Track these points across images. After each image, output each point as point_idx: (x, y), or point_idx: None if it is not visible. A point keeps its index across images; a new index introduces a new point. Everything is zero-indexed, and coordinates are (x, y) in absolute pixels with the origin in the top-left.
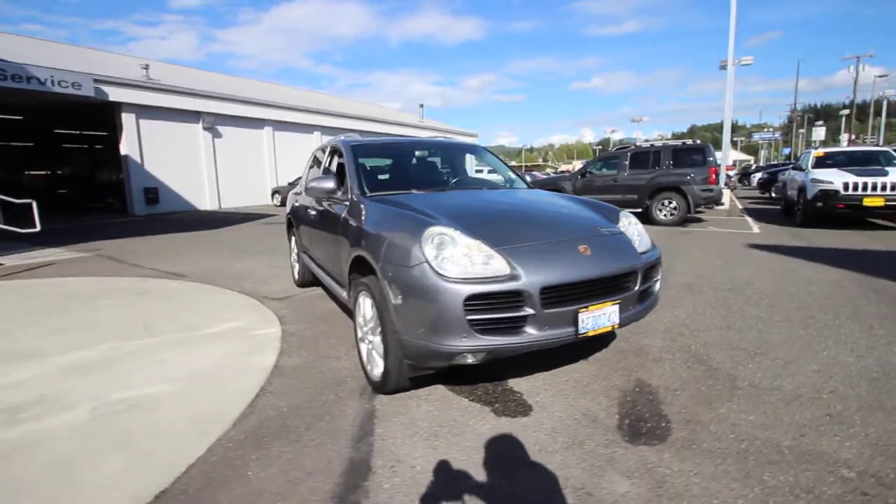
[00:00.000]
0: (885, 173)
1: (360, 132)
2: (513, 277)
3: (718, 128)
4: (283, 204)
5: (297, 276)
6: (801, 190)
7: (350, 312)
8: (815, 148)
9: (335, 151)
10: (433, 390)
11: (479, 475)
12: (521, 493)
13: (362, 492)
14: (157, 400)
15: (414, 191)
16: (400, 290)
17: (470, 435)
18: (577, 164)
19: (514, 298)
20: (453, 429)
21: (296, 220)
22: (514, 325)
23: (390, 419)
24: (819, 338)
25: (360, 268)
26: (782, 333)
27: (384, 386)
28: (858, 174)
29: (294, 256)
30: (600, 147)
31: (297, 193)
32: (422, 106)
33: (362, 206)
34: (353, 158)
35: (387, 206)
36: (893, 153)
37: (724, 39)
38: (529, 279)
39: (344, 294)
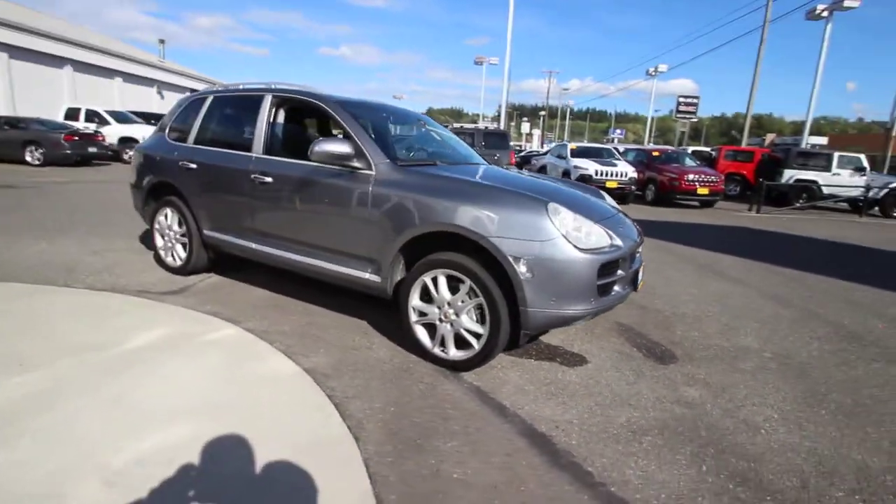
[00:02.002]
0: (615, 164)
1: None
2: (617, 247)
3: (451, 113)
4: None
5: (179, 260)
6: (566, 173)
7: (356, 295)
8: (568, 142)
9: (296, 105)
10: (499, 360)
11: (621, 410)
12: (661, 414)
13: (564, 451)
14: (211, 456)
15: (438, 163)
16: (531, 263)
17: (571, 385)
18: None
19: (617, 264)
20: (555, 385)
21: (187, 185)
22: (612, 286)
23: (500, 390)
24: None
25: (427, 246)
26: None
27: (481, 362)
28: (602, 164)
29: (171, 234)
30: None
31: (176, 149)
32: (163, 42)
33: (411, 177)
34: (353, 118)
35: (453, 179)
36: (613, 150)
37: (458, 32)
38: (623, 247)
39: (364, 274)
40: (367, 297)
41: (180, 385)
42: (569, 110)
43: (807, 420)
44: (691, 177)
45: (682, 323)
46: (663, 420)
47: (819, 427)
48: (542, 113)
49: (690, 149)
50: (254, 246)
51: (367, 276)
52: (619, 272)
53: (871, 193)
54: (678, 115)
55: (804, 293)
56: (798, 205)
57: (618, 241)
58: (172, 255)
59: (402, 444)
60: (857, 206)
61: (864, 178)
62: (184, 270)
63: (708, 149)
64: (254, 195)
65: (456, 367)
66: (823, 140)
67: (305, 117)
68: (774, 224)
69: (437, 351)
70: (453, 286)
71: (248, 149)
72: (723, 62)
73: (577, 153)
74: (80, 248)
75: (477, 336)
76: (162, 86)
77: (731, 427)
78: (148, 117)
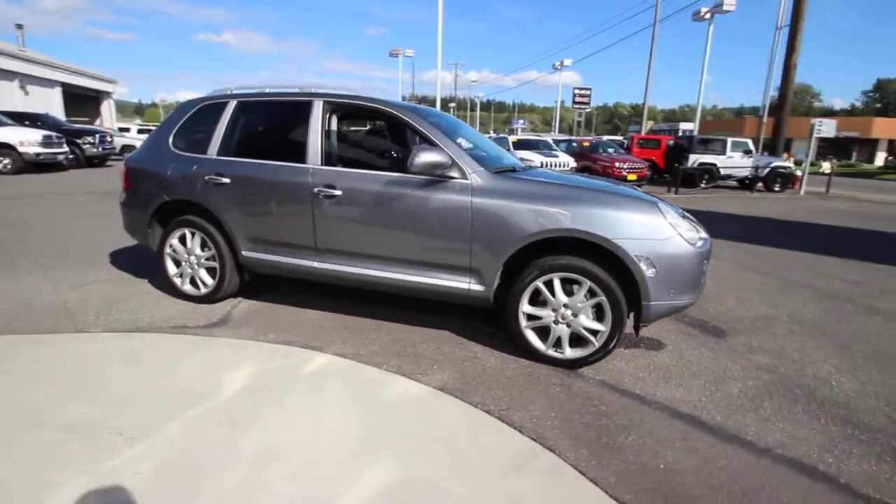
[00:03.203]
0: (557, 155)
1: None
2: (705, 239)
3: None
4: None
5: (204, 287)
6: None
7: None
8: (510, 134)
9: (352, 112)
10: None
11: (728, 384)
12: (756, 382)
13: (719, 427)
14: None
15: (516, 168)
16: (655, 261)
17: (672, 368)
18: None
19: (709, 253)
20: (659, 369)
21: (217, 202)
22: (705, 274)
23: (622, 380)
24: None
25: (538, 251)
26: None
27: (600, 358)
28: (545, 155)
29: (191, 259)
30: None
31: (195, 162)
32: (20, 27)
33: (513, 184)
34: (436, 127)
35: (559, 185)
36: (550, 141)
37: (356, 21)
38: (707, 238)
39: (463, 284)
40: (429, 306)
41: (324, 425)
42: (479, 102)
43: (853, 369)
44: (620, 164)
45: (704, 299)
46: (762, 386)
47: (865, 373)
48: (452, 104)
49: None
50: (315, 264)
51: (466, 286)
52: (707, 261)
53: (757, 172)
54: (574, 106)
55: (769, 263)
56: (703, 185)
57: (703, 234)
58: (194, 282)
59: (591, 446)
60: (746, 183)
61: (752, 159)
62: (210, 298)
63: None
64: (317, 210)
65: (574, 364)
66: (692, 126)
67: (363, 124)
68: (694, 203)
69: (551, 352)
70: (566, 288)
71: (301, 160)
72: (603, 57)
73: (518, 146)
74: (49, 284)
75: (594, 333)
76: (25, 79)
77: (812, 384)
78: (18, 117)
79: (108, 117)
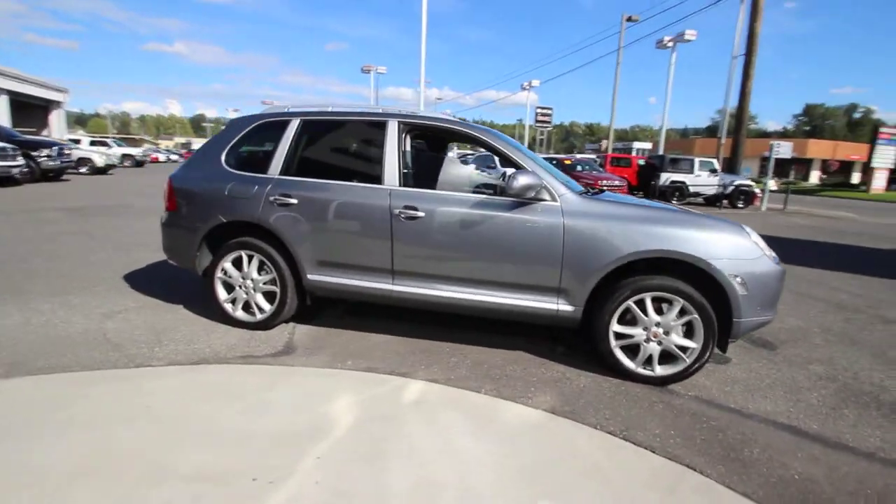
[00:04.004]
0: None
1: None
2: (776, 257)
3: None
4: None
5: (260, 313)
6: None
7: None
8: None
9: (425, 133)
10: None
11: (804, 393)
12: (826, 390)
13: (820, 435)
14: None
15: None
16: (747, 280)
17: (749, 381)
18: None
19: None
20: (739, 383)
21: (283, 223)
22: None
23: (713, 396)
24: None
25: (624, 271)
26: None
27: (690, 374)
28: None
29: (247, 284)
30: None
31: (256, 182)
32: None
33: (604, 206)
34: (521, 150)
35: (650, 207)
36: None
37: (315, 36)
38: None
39: (551, 305)
40: (492, 327)
41: (464, 456)
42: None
43: (878, 373)
44: (604, 182)
45: None
46: (833, 394)
47: (888, 373)
48: None
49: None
50: (391, 287)
51: (554, 306)
52: None
53: (723, 190)
54: (536, 124)
55: None
56: (674, 202)
57: (773, 253)
58: (247, 308)
59: (724, 462)
60: (712, 200)
61: (717, 178)
62: (266, 324)
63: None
64: (396, 232)
65: (664, 382)
66: (648, 145)
67: (437, 145)
68: None
69: (641, 370)
70: (655, 307)
71: (376, 180)
72: (558, 79)
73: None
74: (75, 312)
75: (683, 350)
76: None
77: (872, 390)
78: None
79: (56, 128)
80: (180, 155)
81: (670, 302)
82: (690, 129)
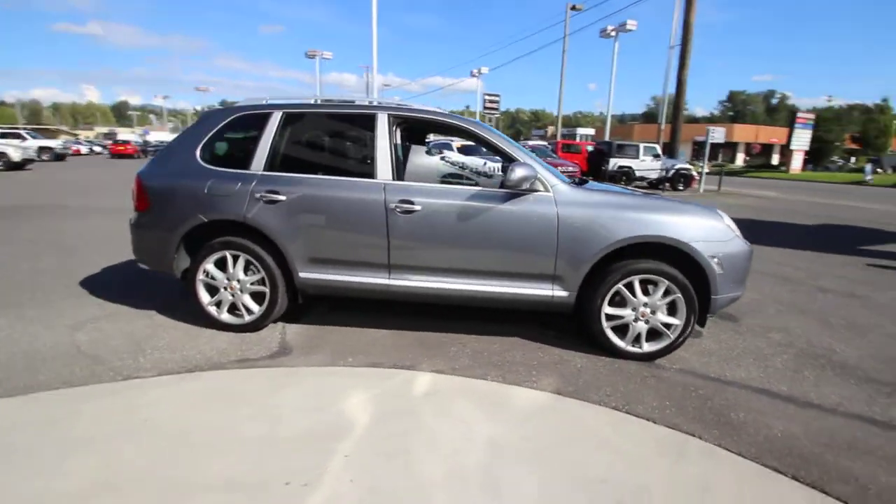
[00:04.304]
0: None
1: None
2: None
3: None
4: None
5: (249, 314)
6: None
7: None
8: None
9: (414, 125)
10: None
11: (771, 360)
12: (788, 355)
13: (798, 397)
14: None
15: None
16: (723, 260)
17: (721, 352)
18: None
19: None
20: (715, 354)
21: (271, 221)
22: None
23: (695, 367)
24: None
25: (630, 255)
26: None
27: (675, 349)
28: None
29: (234, 285)
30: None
31: (239, 178)
32: None
33: (594, 195)
34: (513, 143)
35: (637, 196)
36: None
37: (247, 16)
38: None
39: (546, 291)
40: (482, 315)
41: (489, 442)
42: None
43: (843, 338)
44: (560, 168)
45: None
46: (793, 358)
47: (851, 340)
48: None
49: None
50: (387, 282)
51: (549, 293)
52: None
53: (665, 174)
54: (485, 111)
55: None
56: (622, 186)
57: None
58: (235, 310)
59: (718, 426)
60: (655, 183)
61: (660, 162)
62: (255, 326)
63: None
64: (392, 226)
65: (651, 357)
66: (591, 131)
67: (423, 138)
68: None
69: (630, 348)
70: (643, 288)
71: (369, 175)
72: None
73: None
74: (36, 325)
75: (668, 327)
76: None
77: (824, 353)
78: None
79: None
80: (104, 146)
81: (655, 283)
82: (627, 115)
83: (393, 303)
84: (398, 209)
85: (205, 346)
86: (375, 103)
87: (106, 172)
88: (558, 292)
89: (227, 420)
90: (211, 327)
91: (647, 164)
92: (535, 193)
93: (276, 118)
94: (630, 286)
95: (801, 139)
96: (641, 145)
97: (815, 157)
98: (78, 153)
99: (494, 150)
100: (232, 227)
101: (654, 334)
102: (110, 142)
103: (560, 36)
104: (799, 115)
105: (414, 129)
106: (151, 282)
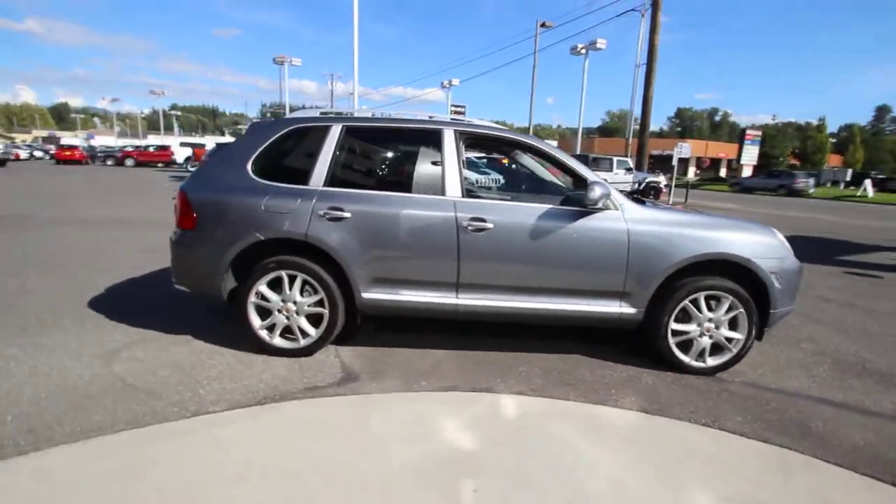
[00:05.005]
0: (489, 173)
1: None
2: None
3: (203, 111)
4: None
5: (304, 338)
6: None
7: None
8: None
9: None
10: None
11: (811, 368)
12: (821, 361)
13: (852, 404)
14: None
15: None
16: (781, 277)
17: (765, 364)
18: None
19: None
20: (758, 367)
21: (335, 239)
22: None
23: (757, 379)
24: None
25: (694, 272)
26: None
27: (736, 363)
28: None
29: (289, 308)
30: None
31: (299, 195)
32: None
33: (660, 214)
34: (578, 161)
35: (694, 213)
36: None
37: (200, 18)
38: None
39: (614, 308)
40: (535, 333)
41: (600, 468)
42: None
43: (866, 346)
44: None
45: None
46: (833, 367)
47: (872, 347)
48: None
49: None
50: (455, 301)
51: (617, 310)
52: None
53: (637, 186)
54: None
55: None
56: None
57: None
58: (286, 334)
59: (805, 438)
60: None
61: (632, 175)
62: (310, 350)
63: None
64: (463, 244)
65: (713, 371)
66: (554, 143)
67: (487, 153)
68: None
69: (694, 363)
70: (707, 304)
71: (436, 192)
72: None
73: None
74: (61, 356)
75: (729, 341)
76: None
77: (857, 360)
78: None
79: None
80: (46, 151)
81: (718, 299)
82: (585, 129)
83: (439, 321)
84: (470, 227)
85: (264, 374)
86: (438, 118)
87: (57, 180)
88: (626, 309)
89: (331, 455)
90: (262, 353)
91: (620, 177)
92: (606, 212)
93: (335, 132)
94: (695, 302)
95: (750, 154)
96: (615, 159)
97: (761, 171)
98: (18, 157)
99: (562, 168)
100: (289, 245)
101: (715, 349)
102: (53, 146)
103: (521, 52)
104: (748, 131)
105: (475, 146)
106: (169, 302)
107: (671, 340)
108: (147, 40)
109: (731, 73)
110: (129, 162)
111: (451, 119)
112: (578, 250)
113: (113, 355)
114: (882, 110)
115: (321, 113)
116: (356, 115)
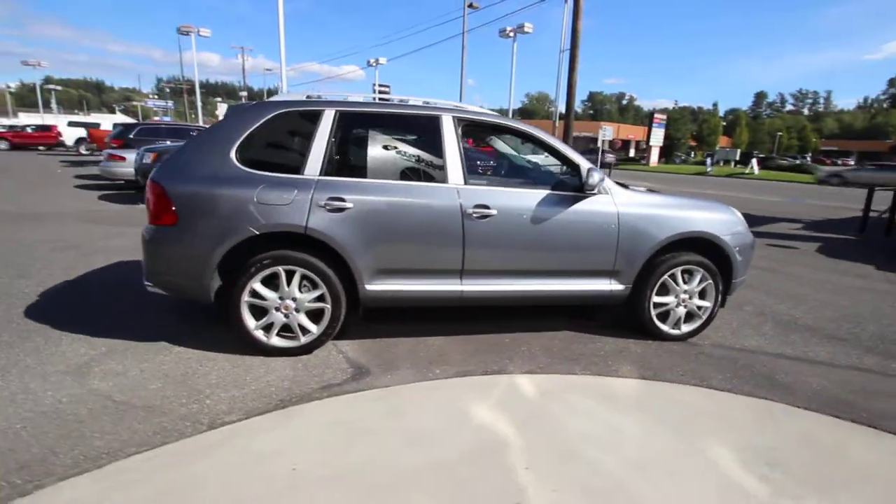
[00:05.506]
0: None
1: None
2: None
3: (85, 85)
4: None
5: (304, 335)
6: None
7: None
8: None
9: (474, 129)
10: None
11: (766, 327)
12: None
13: (798, 356)
14: None
15: None
16: (741, 250)
17: (731, 325)
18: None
19: None
20: (729, 327)
21: (336, 231)
22: None
23: (730, 342)
24: None
25: (671, 249)
26: None
27: (704, 329)
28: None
29: (288, 305)
30: None
31: (294, 185)
32: None
33: (644, 197)
34: (573, 149)
35: (669, 195)
36: None
37: None
38: None
39: (605, 286)
40: (520, 313)
41: (630, 434)
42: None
43: (793, 305)
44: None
45: None
46: (775, 325)
47: (798, 306)
48: (243, 93)
49: None
50: (458, 288)
51: (608, 287)
52: None
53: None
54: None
55: None
56: None
57: None
58: (285, 333)
59: (777, 388)
60: None
61: None
62: (310, 348)
63: None
64: (468, 231)
65: (687, 337)
66: None
67: (481, 140)
68: None
69: (671, 331)
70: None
71: (438, 179)
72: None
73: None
74: (19, 377)
75: (699, 309)
76: None
77: (789, 318)
78: None
79: None
80: None
81: (691, 272)
82: (505, 110)
83: (426, 309)
84: (475, 214)
85: (268, 376)
86: (435, 104)
87: None
88: (615, 286)
89: (379, 452)
90: (258, 354)
91: (550, 160)
92: (599, 196)
93: (328, 117)
94: (673, 276)
95: (658, 136)
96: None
97: (666, 151)
98: None
99: (556, 155)
100: (282, 239)
101: (688, 317)
102: None
103: (445, 33)
104: (656, 115)
105: (472, 132)
106: (126, 306)
107: (653, 312)
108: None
109: (636, 59)
110: (1, 144)
111: (445, 105)
112: (575, 233)
113: (84, 371)
114: (760, 96)
115: (307, 97)
116: (349, 99)
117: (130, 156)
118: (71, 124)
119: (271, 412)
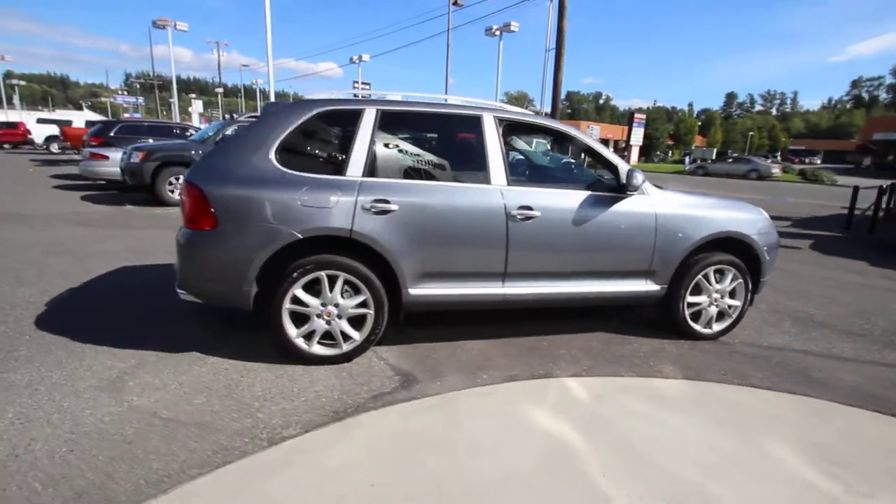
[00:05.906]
0: None
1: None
2: None
3: (49, 80)
4: None
5: (346, 342)
6: None
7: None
8: None
9: (515, 128)
10: None
11: (787, 324)
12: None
13: (833, 353)
14: None
15: None
16: (770, 250)
17: (757, 323)
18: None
19: None
20: (754, 326)
21: (382, 234)
22: None
23: (751, 340)
24: None
25: (704, 249)
26: None
27: (734, 327)
28: None
29: (330, 312)
30: None
31: (339, 186)
32: None
33: (678, 197)
34: (608, 149)
35: (700, 195)
36: None
37: None
38: None
39: (642, 287)
40: (551, 315)
41: (692, 436)
42: (258, 91)
43: (804, 303)
44: None
45: None
46: (792, 323)
47: (811, 303)
48: (219, 90)
49: None
50: (501, 291)
51: (644, 287)
52: None
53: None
54: None
55: None
56: None
57: None
58: (326, 340)
59: (814, 385)
60: None
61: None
62: (351, 356)
63: None
64: (512, 232)
65: (717, 336)
66: None
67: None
68: None
69: (704, 330)
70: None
71: (481, 180)
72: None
73: None
74: (50, 393)
75: (730, 308)
76: None
77: (805, 315)
78: None
79: None
80: None
81: (722, 272)
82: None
83: (454, 312)
84: (519, 216)
85: (315, 386)
86: (475, 103)
87: None
88: (651, 286)
89: (451, 463)
90: (298, 363)
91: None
92: (637, 196)
93: (370, 116)
94: (706, 276)
95: (637, 135)
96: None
97: (645, 151)
98: None
99: (594, 156)
100: (324, 243)
101: (718, 316)
102: None
103: (428, 31)
104: (636, 115)
105: (512, 132)
106: (143, 314)
107: (686, 312)
108: None
109: (612, 59)
110: None
111: (485, 104)
112: (615, 234)
113: (119, 386)
114: (730, 96)
115: (342, 96)
116: (388, 98)
117: (115, 155)
118: (40, 121)
119: (329, 425)
